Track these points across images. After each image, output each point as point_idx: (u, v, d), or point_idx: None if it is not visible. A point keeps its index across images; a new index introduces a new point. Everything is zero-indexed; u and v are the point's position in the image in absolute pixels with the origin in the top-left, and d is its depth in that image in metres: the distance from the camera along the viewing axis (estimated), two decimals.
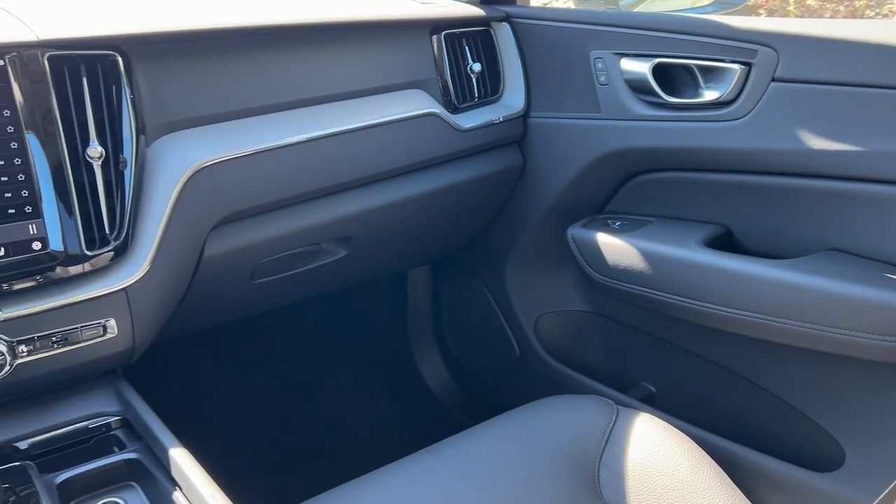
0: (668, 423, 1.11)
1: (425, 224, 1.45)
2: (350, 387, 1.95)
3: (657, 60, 1.25)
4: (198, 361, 1.77)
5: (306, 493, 1.02)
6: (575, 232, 1.40)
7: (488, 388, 1.79)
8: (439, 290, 1.84)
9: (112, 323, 0.97)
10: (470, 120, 1.37)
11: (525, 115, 1.44)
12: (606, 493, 1.03)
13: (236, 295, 1.28)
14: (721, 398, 1.35)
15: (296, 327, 1.89)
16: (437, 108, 1.31)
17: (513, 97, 1.43)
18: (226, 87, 1.10)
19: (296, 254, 1.28)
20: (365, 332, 1.97)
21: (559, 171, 1.42)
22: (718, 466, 1.05)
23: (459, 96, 1.37)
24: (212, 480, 0.81)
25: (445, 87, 1.35)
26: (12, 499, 0.81)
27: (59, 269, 0.93)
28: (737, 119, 1.18)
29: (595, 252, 1.35)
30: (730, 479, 1.03)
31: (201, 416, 1.29)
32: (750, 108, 1.16)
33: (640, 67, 1.26)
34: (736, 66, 1.17)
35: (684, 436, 1.08)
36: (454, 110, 1.36)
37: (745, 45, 1.16)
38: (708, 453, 1.07)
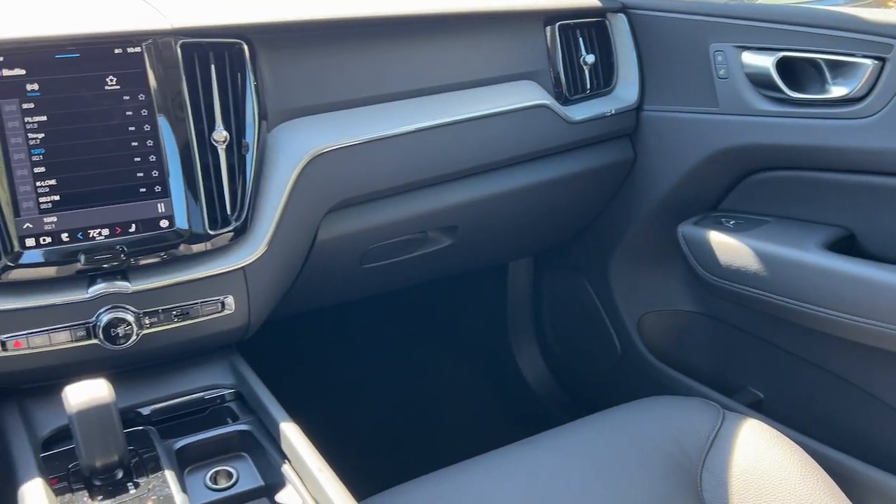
0: (777, 430, 1.07)
1: (530, 216, 1.45)
2: (448, 374, 1.97)
3: (782, 54, 1.20)
4: (305, 340, 1.83)
5: (403, 476, 1.04)
6: (686, 229, 1.37)
7: (587, 384, 1.77)
8: (540, 282, 1.83)
9: (230, 300, 1.02)
10: (581, 112, 1.35)
11: (638, 107, 1.41)
12: (708, 499, 1.01)
13: (345, 278, 1.31)
14: (833, 407, 1.29)
15: (399, 312, 1.93)
16: (548, 100, 1.31)
17: (626, 89, 1.41)
18: (343, 77, 1.13)
19: (403, 241, 1.30)
20: (465, 321, 1.99)
21: (671, 166, 1.38)
22: (829, 478, 1.01)
23: (571, 88, 1.36)
24: (319, 455, 0.84)
25: (557, 78, 1.34)
26: (135, 460, 0.86)
27: (182, 247, 0.98)
28: (866, 117, 1.12)
29: (706, 251, 1.32)
30: (841, 492, 0.99)
31: (307, 393, 1.33)
32: (881, 106, 1.10)
33: (764, 61, 1.22)
34: (868, 62, 1.11)
35: (793, 444, 1.04)
36: (565, 102, 1.35)
37: (880, 40, 1.09)
38: (818, 464, 1.02)
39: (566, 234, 1.62)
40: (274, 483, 0.87)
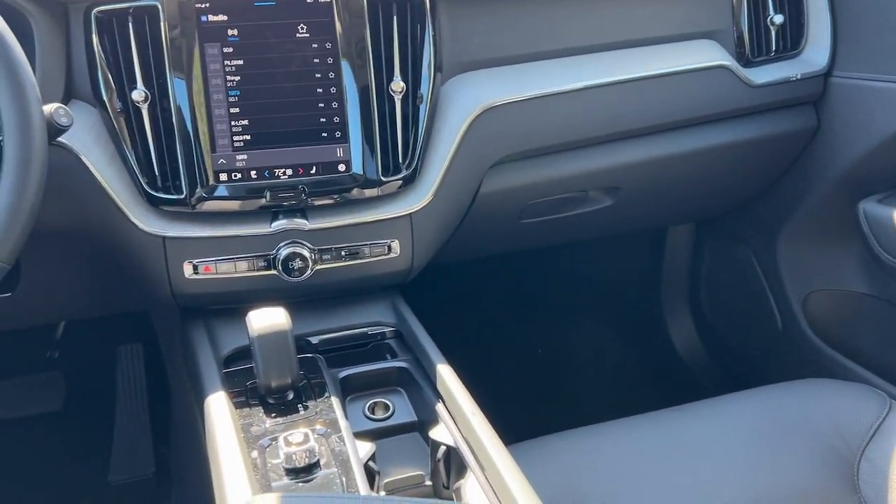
0: None
1: (698, 181, 1.41)
2: (596, 335, 1.97)
3: None
4: (463, 287, 1.88)
5: (542, 430, 1.06)
6: (868, 207, 1.28)
7: (741, 358, 1.71)
8: (700, 250, 1.78)
9: (396, 244, 1.07)
10: (763, 75, 1.29)
11: (827, 73, 1.32)
12: (865, 490, 0.96)
13: (503, 231, 1.34)
14: None
15: (553, 268, 1.93)
16: (728, 61, 1.25)
17: (815, 53, 1.32)
18: (519, 31, 1.13)
19: (563, 198, 1.30)
20: (617, 283, 1.97)
21: (858, 138, 1.29)
22: None
23: (755, 49, 1.29)
24: (471, 398, 0.88)
25: (740, 38, 1.28)
26: (304, 384, 0.94)
27: (356, 191, 1.04)
28: None
29: (890, 231, 1.23)
30: None
31: (460, 337, 1.38)
32: None
33: None
34: None
35: None
36: (747, 64, 1.28)
37: None
38: None
39: (734, 202, 1.56)
40: (427, 420, 0.91)
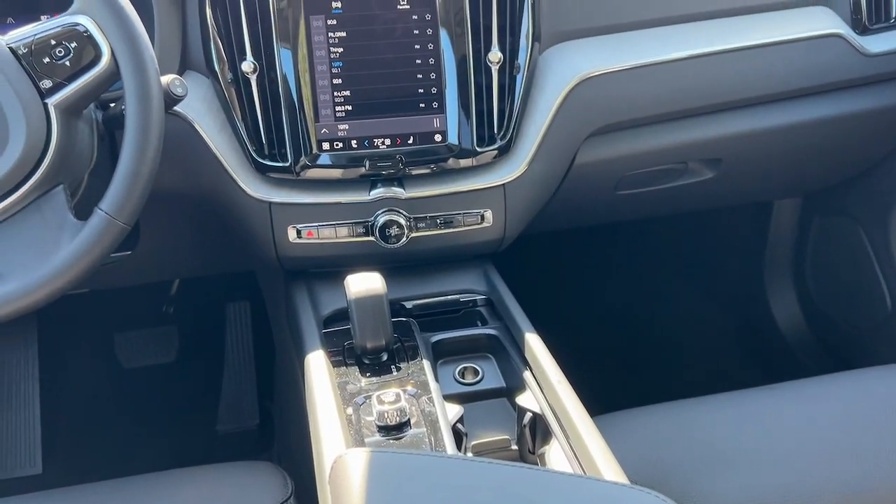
0: None
1: (805, 154, 1.35)
2: (694, 308, 1.93)
3: None
4: (555, 257, 1.89)
5: (632, 402, 1.06)
6: None
7: (846, 337, 1.65)
8: (807, 225, 1.71)
9: (489, 214, 1.09)
10: (881, 44, 1.22)
11: None
12: None
13: (598, 203, 1.33)
14: None
15: (649, 239, 1.91)
16: (842, 29, 1.19)
17: None
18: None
19: (661, 170, 1.28)
20: (718, 256, 1.92)
21: None
22: None
23: (873, 15, 1.22)
24: (558, 367, 0.89)
25: (857, 4, 1.21)
26: (397, 346, 0.98)
27: (451, 161, 1.06)
28: None
29: None
30: None
31: (550, 306, 1.39)
32: None
33: None
34: None
35: None
36: (863, 31, 1.22)
37: None
38: None
39: (844, 175, 1.49)
40: (514, 386, 0.94)
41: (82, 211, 0.86)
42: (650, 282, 1.95)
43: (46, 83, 0.82)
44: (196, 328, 1.85)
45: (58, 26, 0.82)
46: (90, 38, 0.82)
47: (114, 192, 0.82)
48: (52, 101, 0.82)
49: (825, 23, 1.19)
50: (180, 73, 1.04)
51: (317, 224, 1.07)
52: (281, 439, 1.63)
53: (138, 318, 1.82)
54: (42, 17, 1.09)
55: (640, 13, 1.13)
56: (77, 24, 0.82)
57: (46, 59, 0.81)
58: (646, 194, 1.32)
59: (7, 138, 0.80)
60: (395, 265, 1.11)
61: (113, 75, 0.83)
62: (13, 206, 0.82)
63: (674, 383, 1.28)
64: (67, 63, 0.81)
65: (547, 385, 0.87)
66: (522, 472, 0.71)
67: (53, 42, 0.82)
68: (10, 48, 0.81)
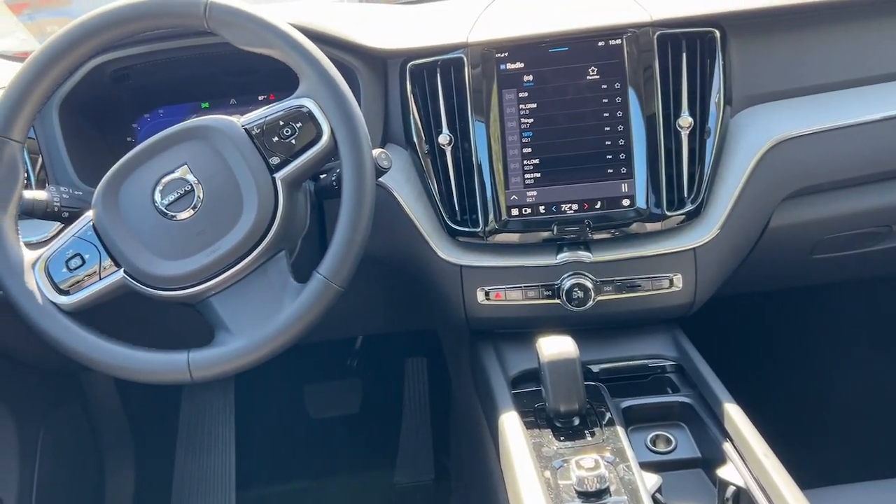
0: None
1: None
2: (878, 376, 1.78)
3: None
4: (746, 320, 1.81)
5: (835, 479, 0.99)
6: None
7: None
8: None
9: (678, 278, 1.08)
10: None
11: None
12: None
13: (792, 267, 1.28)
14: None
15: (846, 302, 1.79)
16: None
17: None
18: (816, 60, 1.09)
19: (862, 233, 1.22)
20: None
21: None
22: None
23: None
24: (762, 439, 0.86)
25: None
26: (587, 407, 0.98)
27: (637, 225, 1.07)
28: None
29: None
30: None
31: (743, 372, 1.33)
32: None
33: None
34: None
35: None
36: None
37: None
38: None
39: None
40: (711, 457, 0.91)
41: (296, 274, 0.94)
42: (848, 347, 1.82)
43: (275, 160, 0.91)
44: (377, 382, 1.94)
45: (285, 108, 0.91)
46: (312, 117, 0.90)
47: (331, 257, 0.89)
48: (279, 176, 0.90)
49: None
50: (382, 145, 1.12)
51: (504, 286, 1.10)
52: (460, 495, 1.65)
53: (326, 371, 1.93)
54: (259, 98, 1.22)
55: (843, 73, 1.10)
56: (302, 106, 0.91)
57: (275, 138, 0.90)
58: (844, 258, 1.25)
59: (241, 209, 0.89)
60: (581, 328, 1.12)
61: (331, 152, 0.91)
62: (245, 269, 0.90)
63: (881, 458, 1.18)
64: (293, 141, 0.90)
65: (751, 457, 0.84)
66: None
67: (282, 123, 0.91)
68: (246, 129, 0.91)
